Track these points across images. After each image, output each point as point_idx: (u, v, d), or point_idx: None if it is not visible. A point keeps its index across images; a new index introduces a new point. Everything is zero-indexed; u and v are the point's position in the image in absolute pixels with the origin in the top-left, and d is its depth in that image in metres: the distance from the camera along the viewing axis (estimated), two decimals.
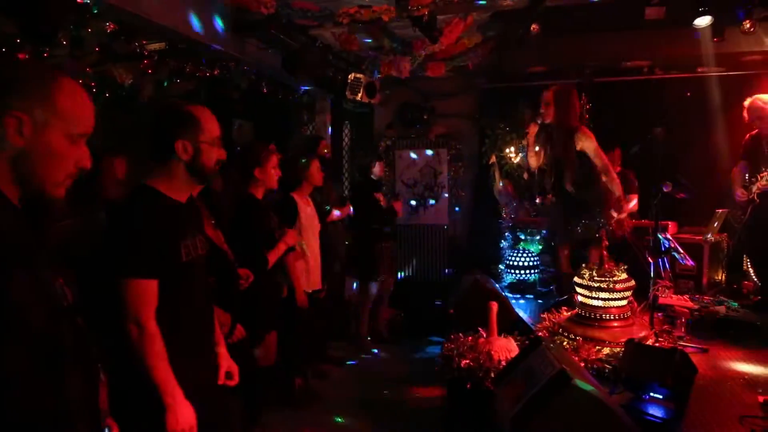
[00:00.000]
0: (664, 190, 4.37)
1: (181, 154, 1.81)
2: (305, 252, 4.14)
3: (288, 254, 3.71)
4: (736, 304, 4.80)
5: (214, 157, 1.87)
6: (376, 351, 4.93)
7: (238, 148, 4.84)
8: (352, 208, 5.45)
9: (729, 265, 5.66)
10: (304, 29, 4.94)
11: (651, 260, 4.45)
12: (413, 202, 7.00)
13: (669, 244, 4.63)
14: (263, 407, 3.63)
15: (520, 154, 6.51)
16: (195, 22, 4.05)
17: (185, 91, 4.57)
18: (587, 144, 4.41)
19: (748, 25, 4.72)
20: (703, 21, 4.64)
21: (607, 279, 4.13)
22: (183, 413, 1.70)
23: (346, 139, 7.04)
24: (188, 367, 1.73)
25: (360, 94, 5.67)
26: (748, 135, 5.05)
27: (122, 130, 3.50)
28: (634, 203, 5.61)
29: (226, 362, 2.12)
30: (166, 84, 4.54)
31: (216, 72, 4.58)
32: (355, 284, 5.75)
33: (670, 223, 5.50)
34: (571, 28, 5.66)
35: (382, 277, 5.57)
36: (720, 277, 5.63)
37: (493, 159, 6.37)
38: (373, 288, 5.33)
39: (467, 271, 5.39)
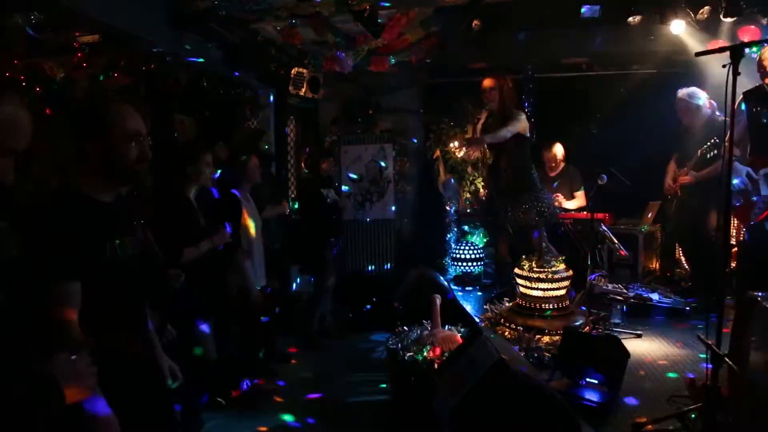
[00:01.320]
0: (600, 182, 4.51)
1: (90, 154, 1.77)
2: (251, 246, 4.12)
3: (237, 253, 3.68)
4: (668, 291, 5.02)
5: (134, 155, 1.81)
6: (323, 346, 4.93)
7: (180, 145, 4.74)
8: (295, 205, 5.39)
9: (663, 254, 5.92)
10: (244, 23, 4.87)
11: (588, 251, 4.58)
12: (359, 198, 6.97)
13: (605, 235, 4.78)
14: (207, 409, 3.59)
15: (463, 148, 6.53)
16: (131, 14, 3.94)
17: (122, 86, 4.43)
18: (523, 125, 4.53)
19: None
20: (634, 20, 4.82)
21: (546, 270, 4.30)
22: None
23: (291, 135, 6.98)
24: (118, 370, 1.70)
25: (303, 89, 5.64)
26: (681, 127, 5.29)
27: (54, 127, 3.37)
28: (580, 198, 5.79)
29: (166, 362, 2.09)
30: (102, 78, 4.39)
31: (153, 66, 4.46)
32: (298, 279, 5.70)
33: (606, 214, 5.69)
34: (512, 26, 5.76)
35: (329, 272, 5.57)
36: (654, 266, 5.89)
37: (438, 153, 6.45)
38: (325, 282, 5.32)
39: (413, 264, 5.37)
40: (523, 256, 4.49)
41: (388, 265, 6.72)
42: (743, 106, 3.91)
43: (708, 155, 4.90)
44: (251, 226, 4.21)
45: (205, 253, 3.30)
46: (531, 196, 4.55)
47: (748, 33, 4.90)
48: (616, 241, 4.93)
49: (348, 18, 4.77)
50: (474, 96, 6.56)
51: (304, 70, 5.56)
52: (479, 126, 4.77)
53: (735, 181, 3.93)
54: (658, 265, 5.91)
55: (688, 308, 4.76)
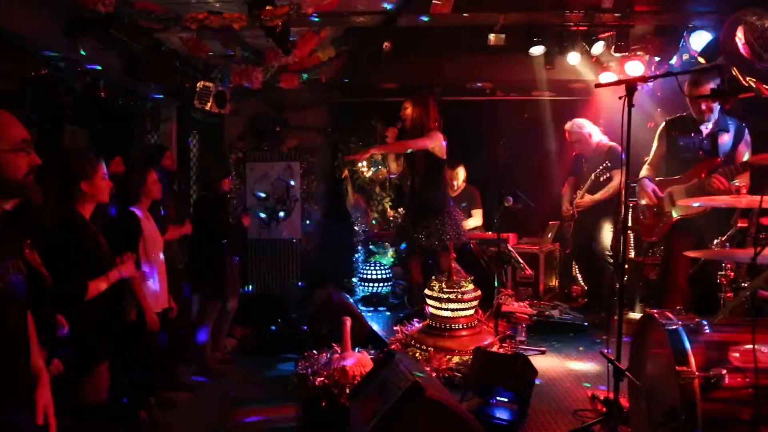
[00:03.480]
0: (506, 204, 4.68)
1: None
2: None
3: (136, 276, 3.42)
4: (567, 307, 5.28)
5: (21, 166, 1.64)
6: (225, 372, 4.71)
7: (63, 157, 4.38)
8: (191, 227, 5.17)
9: (561, 272, 6.22)
10: (148, 32, 4.65)
11: (495, 270, 4.72)
12: (264, 216, 6.82)
13: (511, 255, 4.94)
14: None
15: (371, 168, 6.69)
16: (19, 15, 3.64)
17: (6, 93, 4.08)
18: (435, 144, 4.59)
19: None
20: (537, 50, 5.10)
21: (456, 290, 4.35)
22: None
23: (194, 150, 6.72)
24: None
25: (209, 104, 5.42)
26: (573, 153, 5.61)
27: None
28: (478, 217, 6.00)
29: (42, 400, 1.87)
30: None
31: (44, 72, 4.14)
32: (198, 301, 5.47)
33: (510, 234, 5.91)
34: (421, 48, 5.91)
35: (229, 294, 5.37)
36: (554, 283, 6.15)
37: (346, 173, 6.48)
38: (219, 306, 5.11)
39: (320, 285, 5.39)
40: (433, 277, 4.53)
41: (298, 284, 6.67)
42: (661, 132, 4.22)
43: (601, 178, 5.22)
44: (152, 247, 3.97)
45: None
46: (436, 219, 4.63)
47: (633, 67, 5.33)
48: (522, 261, 5.11)
49: (259, 32, 4.70)
50: (383, 115, 6.76)
51: (211, 84, 5.36)
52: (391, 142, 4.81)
53: (643, 202, 4.20)
54: (557, 282, 6.19)
55: (586, 323, 4.98)
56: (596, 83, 3.48)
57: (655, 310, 3.00)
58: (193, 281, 4.86)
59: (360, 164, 6.63)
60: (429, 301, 4.43)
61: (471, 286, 4.42)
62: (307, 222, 6.80)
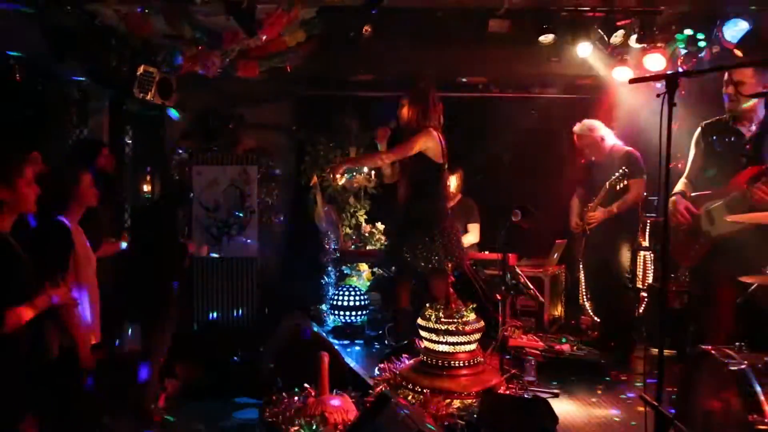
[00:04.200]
0: (513, 219, 4.56)
1: None
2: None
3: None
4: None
5: None
6: (166, 423, 4.41)
7: None
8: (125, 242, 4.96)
9: (568, 299, 6.17)
10: (78, 2, 4.41)
11: (499, 297, 4.56)
12: (214, 230, 6.54)
13: (518, 279, 4.80)
14: None
15: (345, 175, 6.37)
16: None
17: None
18: (423, 145, 4.47)
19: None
20: (547, 39, 5.03)
21: (456, 320, 4.16)
22: None
23: (128, 150, 6.42)
24: None
25: (151, 93, 5.23)
26: (582, 161, 5.58)
27: None
28: (475, 233, 5.86)
29: None
30: None
31: None
32: (131, 332, 5.24)
33: (510, 255, 5.77)
34: (404, 35, 5.65)
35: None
36: (559, 313, 6.09)
37: (315, 180, 6.26)
38: (167, 339, 4.82)
39: (285, 313, 5.25)
40: (428, 305, 4.34)
41: (242, 311, 6.44)
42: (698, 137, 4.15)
43: (617, 188, 5.15)
44: (83, 266, 3.67)
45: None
46: (426, 236, 4.50)
47: (654, 61, 5.25)
48: (532, 287, 4.98)
49: (214, 9, 4.53)
50: (359, 112, 6.64)
51: (154, 70, 5.13)
52: (383, 147, 4.73)
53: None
54: (562, 311, 6.12)
55: (602, 360, 4.88)
56: (631, 78, 3.46)
57: (710, 347, 2.90)
58: (132, 309, 4.60)
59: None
60: (423, 334, 4.25)
61: (473, 316, 4.25)
62: (266, 238, 6.60)
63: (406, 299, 4.73)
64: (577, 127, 5.43)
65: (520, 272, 5.05)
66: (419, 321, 4.29)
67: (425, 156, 4.49)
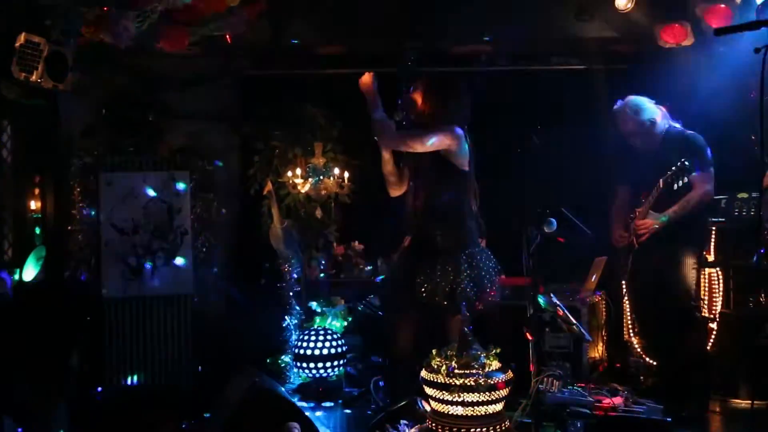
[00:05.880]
0: (546, 230, 4.45)
1: None
2: None
3: None
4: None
5: None
6: None
7: None
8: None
9: (610, 335, 6.07)
10: None
11: (530, 336, 4.37)
12: (133, 260, 6.31)
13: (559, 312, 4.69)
14: None
15: (310, 179, 6.47)
16: None
17: None
18: (452, 144, 4.41)
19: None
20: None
21: (477, 371, 3.95)
22: None
23: (6, 153, 6.13)
24: None
25: (38, 73, 5.01)
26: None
27: None
28: None
29: None
30: None
31: None
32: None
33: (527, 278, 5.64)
34: None
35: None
36: (600, 353, 5.95)
37: (269, 187, 6.19)
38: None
39: (234, 368, 5.17)
40: (434, 351, 4.14)
41: (193, 369, 6.29)
42: None
43: (675, 185, 4.96)
44: None
45: None
46: (448, 265, 4.39)
47: (718, 14, 5.24)
48: (575, 321, 4.71)
49: None
50: (325, 97, 6.60)
51: (41, 40, 4.88)
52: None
53: None
54: (603, 351, 6.00)
55: (668, 418, 4.60)
56: (717, 28, 3.29)
57: None
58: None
59: (290, 173, 6.48)
60: (429, 391, 4.03)
61: (497, 363, 4.03)
62: (204, 266, 6.47)
63: (407, 344, 4.62)
64: (618, 106, 5.30)
65: (558, 302, 4.78)
66: (423, 374, 4.08)
67: (446, 159, 4.42)
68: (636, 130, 5.23)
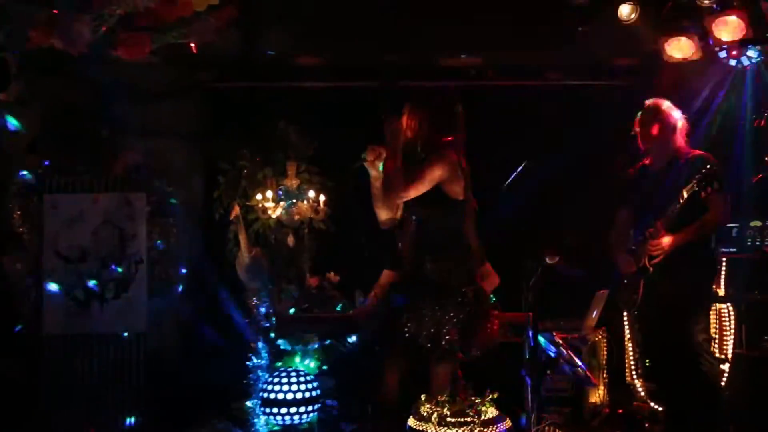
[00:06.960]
0: (548, 260, 4.44)
1: None
2: None
3: None
4: None
5: None
6: None
7: None
8: None
9: (611, 377, 6.07)
10: None
11: (529, 377, 4.44)
12: (80, 293, 6.29)
13: (556, 351, 4.69)
14: None
15: (282, 203, 6.52)
16: None
17: None
18: (448, 174, 4.35)
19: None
20: (625, 10, 5.29)
21: (470, 419, 3.94)
22: None
23: None
24: None
25: None
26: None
27: None
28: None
29: None
30: None
31: None
32: None
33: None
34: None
35: None
36: (601, 397, 5.93)
37: (236, 211, 6.25)
38: None
39: (194, 419, 5.48)
40: (423, 396, 4.13)
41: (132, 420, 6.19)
42: None
43: (702, 193, 4.89)
44: None
45: None
46: (437, 303, 4.32)
47: (728, 26, 5.28)
48: (579, 362, 4.70)
49: None
50: (299, 113, 6.77)
51: None
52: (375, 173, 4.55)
53: None
54: (605, 395, 5.99)
55: None
56: (743, 39, 3.18)
57: None
58: None
59: (259, 196, 6.49)
60: None
61: (493, 411, 4.02)
62: (161, 301, 6.38)
63: (393, 388, 4.52)
64: (650, 101, 5.27)
65: (560, 341, 4.79)
66: (411, 423, 4.06)
67: (440, 191, 4.36)
68: (658, 135, 5.16)
